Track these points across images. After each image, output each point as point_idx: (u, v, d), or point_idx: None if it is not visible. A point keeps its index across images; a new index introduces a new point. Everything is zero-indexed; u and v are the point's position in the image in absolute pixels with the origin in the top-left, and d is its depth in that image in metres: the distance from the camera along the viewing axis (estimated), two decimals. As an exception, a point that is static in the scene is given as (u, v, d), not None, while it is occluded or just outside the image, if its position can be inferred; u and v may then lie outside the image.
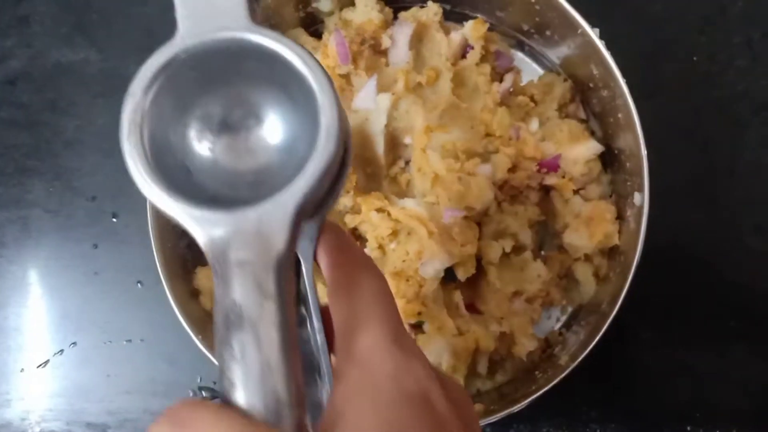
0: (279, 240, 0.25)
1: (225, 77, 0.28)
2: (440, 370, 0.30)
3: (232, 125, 0.28)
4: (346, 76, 0.58)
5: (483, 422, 0.54)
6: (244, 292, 0.24)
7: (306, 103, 0.26)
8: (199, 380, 0.63)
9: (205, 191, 0.26)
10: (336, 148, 0.25)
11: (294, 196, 0.25)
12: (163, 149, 0.26)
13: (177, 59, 0.26)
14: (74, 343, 0.65)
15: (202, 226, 0.25)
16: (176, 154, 0.27)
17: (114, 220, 0.66)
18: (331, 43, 0.57)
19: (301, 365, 0.26)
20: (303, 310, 0.32)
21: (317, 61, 0.26)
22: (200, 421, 0.23)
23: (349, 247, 0.30)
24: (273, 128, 0.28)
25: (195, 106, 0.28)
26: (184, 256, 0.58)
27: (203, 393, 0.63)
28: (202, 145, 0.28)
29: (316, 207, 0.30)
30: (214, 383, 0.63)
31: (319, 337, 0.31)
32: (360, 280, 0.28)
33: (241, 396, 0.24)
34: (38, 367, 0.65)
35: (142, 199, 0.55)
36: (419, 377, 0.26)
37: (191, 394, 0.63)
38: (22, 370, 0.65)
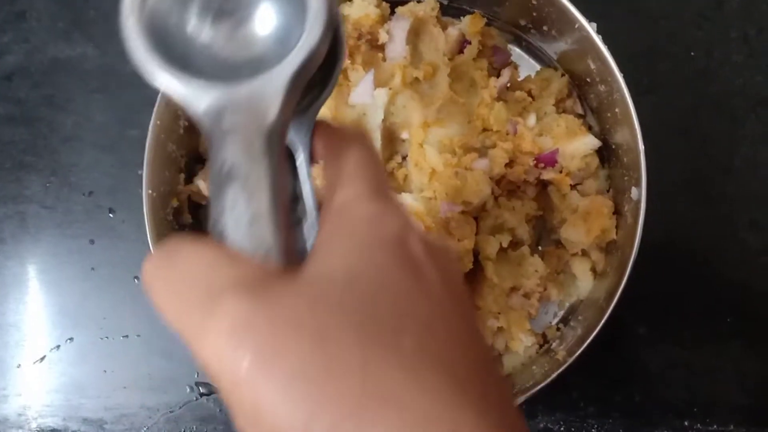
0: (271, 110, 0.26)
1: None
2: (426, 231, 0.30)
3: (230, 14, 0.29)
4: (343, 72, 0.58)
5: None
6: (236, 151, 0.26)
7: None
8: (196, 376, 0.63)
9: (203, 75, 0.28)
10: (323, 27, 0.27)
11: (284, 72, 0.26)
12: (162, 35, 0.28)
13: None
14: (71, 339, 0.65)
15: (198, 96, 0.26)
16: (175, 40, 0.28)
17: (111, 215, 0.66)
18: (329, 38, 0.57)
19: (290, 224, 0.27)
20: (299, 210, 0.32)
21: None
22: (188, 250, 0.25)
23: (339, 128, 0.31)
24: (269, 19, 0.30)
25: None
26: (181, 251, 0.58)
27: (200, 389, 0.63)
28: (200, 33, 0.29)
29: (310, 101, 0.32)
30: (212, 378, 0.63)
31: (317, 231, 0.31)
32: (348, 148, 0.29)
33: (230, 240, 0.25)
34: (35, 362, 0.65)
35: (138, 195, 0.56)
36: (396, 223, 0.26)
37: (188, 390, 0.63)
38: (19, 365, 0.65)
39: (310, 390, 0.21)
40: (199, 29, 0.29)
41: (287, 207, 0.28)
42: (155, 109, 0.54)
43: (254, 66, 0.28)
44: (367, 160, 0.28)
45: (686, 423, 0.63)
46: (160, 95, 0.54)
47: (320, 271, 0.24)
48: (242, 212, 0.25)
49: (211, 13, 0.29)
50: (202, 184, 0.59)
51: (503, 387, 0.25)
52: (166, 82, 0.26)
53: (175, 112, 0.56)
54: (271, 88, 0.26)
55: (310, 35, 0.27)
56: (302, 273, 0.24)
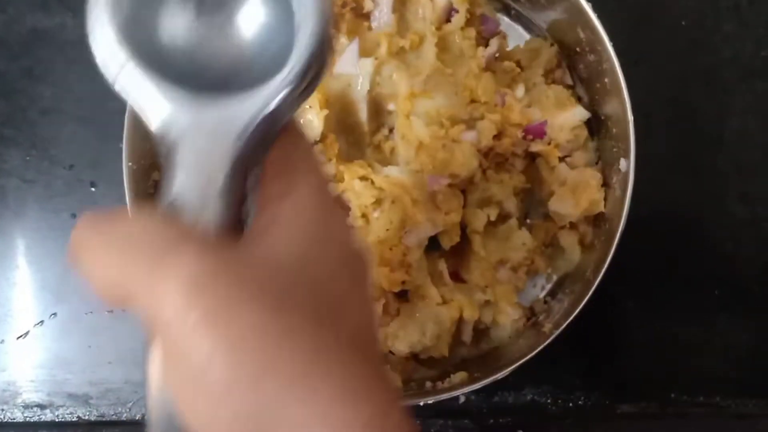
0: (242, 139, 0.24)
1: None
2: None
3: (208, 7, 0.26)
4: (327, 41, 0.57)
5: (467, 390, 0.54)
6: (192, 183, 0.24)
7: None
8: (181, 350, 0.63)
9: (173, 72, 0.25)
10: (318, 48, 0.24)
11: (268, 99, 0.24)
12: (132, 20, 0.24)
13: None
14: (54, 314, 0.64)
15: (162, 103, 0.23)
16: (146, 28, 0.25)
17: (92, 189, 0.65)
18: (313, 6, 0.56)
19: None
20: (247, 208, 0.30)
21: None
22: (131, 213, 0.26)
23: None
24: (249, 16, 0.26)
25: None
26: (164, 225, 0.57)
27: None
28: (174, 22, 0.26)
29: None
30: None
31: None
32: (294, 139, 0.28)
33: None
34: (18, 338, 0.64)
35: (120, 168, 0.54)
36: (343, 220, 0.28)
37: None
38: (3, 341, 0.64)
39: (262, 353, 0.22)
40: (172, 17, 0.26)
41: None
42: (135, 79, 0.53)
43: (231, 66, 0.26)
44: (312, 152, 0.28)
45: (672, 395, 0.63)
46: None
47: (276, 250, 0.24)
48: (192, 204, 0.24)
49: (189, 4, 0.26)
50: (184, 157, 0.58)
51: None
52: (129, 78, 0.23)
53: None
54: (249, 113, 0.23)
55: (303, 57, 0.23)
56: (256, 246, 0.24)
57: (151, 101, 0.24)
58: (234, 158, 0.24)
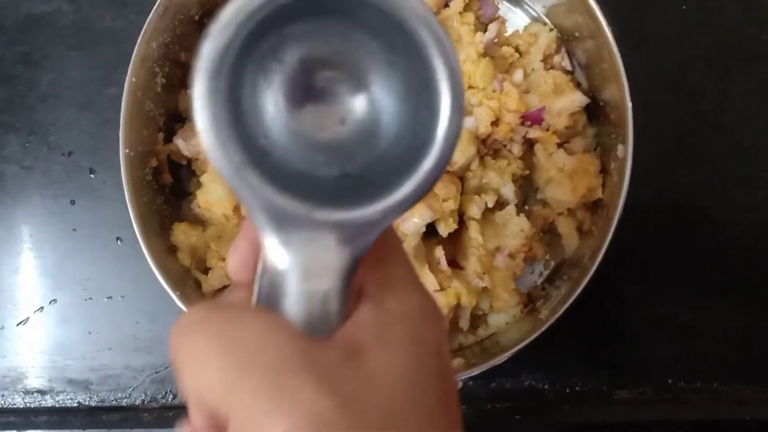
0: (361, 251, 0.22)
1: (322, 33, 0.23)
2: None
3: (318, 89, 0.24)
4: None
5: (465, 376, 0.54)
6: (308, 314, 0.23)
7: (414, 82, 0.22)
8: (180, 336, 0.63)
9: (280, 169, 0.23)
10: (451, 154, 0.22)
11: (395, 208, 0.22)
12: (239, 113, 0.22)
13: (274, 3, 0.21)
14: (54, 301, 0.64)
15: (273, 235, 0.22)
16: (251, 121, 0.23)
17: (91, 175, 0.65)
18: (309, -9, 0.56)
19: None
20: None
21: (450, 41, 0.22)
22: (246, 311, 0.23)
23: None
24: (364, 101, 0.24)
25: (279, 58, 0.23)
26: (161, 212, 0.57)
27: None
28: (280, 110, 0.23)
29: None
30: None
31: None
32: (391, 248, 0.27)
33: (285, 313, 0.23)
34: (18, 324, 0.64)
35: (118, 154, 0.54)
36: (437, 331, 0.25)
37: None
38: (3, 327, 0.65)
39: None
40: (278, 105, 0.23)
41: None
42: (130, 65, 0.52)
43: (341, 151, 0.24)
44: (409, 261, 0.27)
45: (670, 381, 0.63)
46: (135, 51, 0.52)
47: (382, 372, 0.23)
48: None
49: (298, 86, 0.23)
50: (181, 144, 0.58)
51: None
52: (245, 187, 0.21)
53: (151, 68, 0.55)
54: (372, 227, 0.22)
55: (436, 165, 0.22)
56: (363, 367, 0.22)
57: (263, 225, 0.22)
58: (349, 269, 0.23)
